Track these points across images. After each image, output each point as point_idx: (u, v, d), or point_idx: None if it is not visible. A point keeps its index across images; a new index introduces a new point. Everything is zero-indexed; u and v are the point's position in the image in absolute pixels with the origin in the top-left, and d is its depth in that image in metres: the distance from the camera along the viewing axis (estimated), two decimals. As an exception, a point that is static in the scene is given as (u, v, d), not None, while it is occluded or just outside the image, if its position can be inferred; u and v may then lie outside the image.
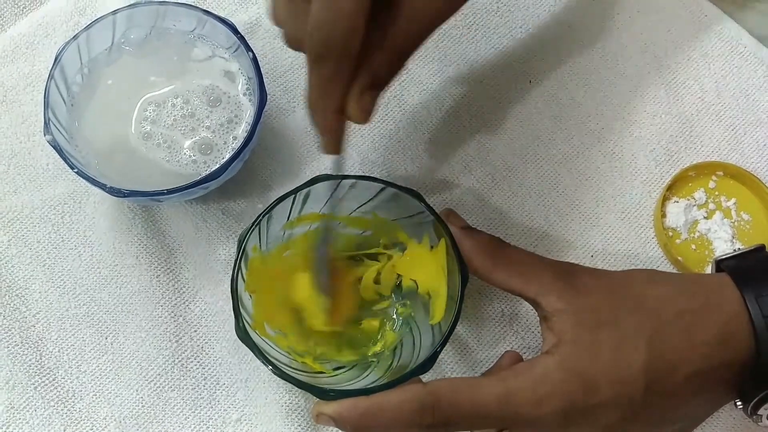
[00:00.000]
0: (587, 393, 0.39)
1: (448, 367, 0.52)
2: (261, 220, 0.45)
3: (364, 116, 0.39)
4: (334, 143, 0.40)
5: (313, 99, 0.39)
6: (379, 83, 0.38)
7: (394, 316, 0.51)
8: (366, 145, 0.57)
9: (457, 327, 0.44)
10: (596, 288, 0.43)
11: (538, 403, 0.39)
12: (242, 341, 0.44)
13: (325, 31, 0.35)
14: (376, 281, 0.50)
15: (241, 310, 0.44)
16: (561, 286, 0.42)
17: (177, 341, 0.52)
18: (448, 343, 0.44)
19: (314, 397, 0.43)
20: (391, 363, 0.49)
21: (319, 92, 0.38)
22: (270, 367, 0.43)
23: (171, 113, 0.53)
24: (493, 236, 0.47)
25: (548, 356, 0.41)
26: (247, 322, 0.45)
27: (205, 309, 0.53)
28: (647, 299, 0.42)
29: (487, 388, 0.40)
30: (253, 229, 0.45)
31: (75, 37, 0.51)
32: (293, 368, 0.46)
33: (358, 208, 0.49)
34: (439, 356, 0.43)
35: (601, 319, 0.41)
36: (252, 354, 0.43)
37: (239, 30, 0.52)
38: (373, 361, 0.50)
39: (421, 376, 0.43)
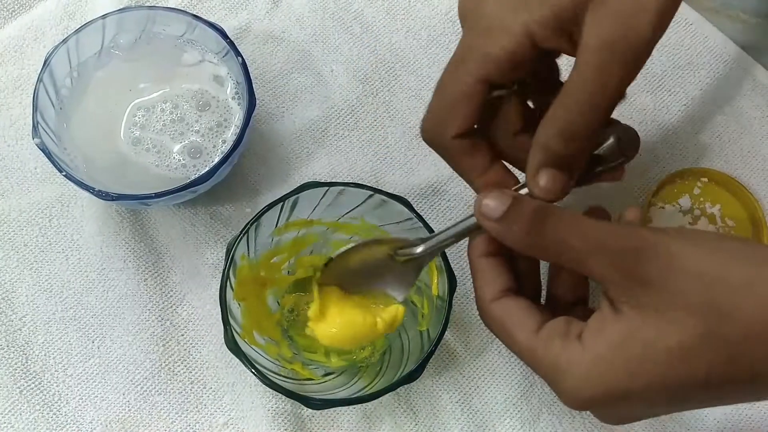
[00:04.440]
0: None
1: (435, 371, 0.52)
2: (249, 228, 0.46)
3: (545, 193, 0.38)
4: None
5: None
6: (551, 163, 0.38)
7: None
8: (354, 151, 0.57)
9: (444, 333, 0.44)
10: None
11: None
12: (231, 351, 0.44)
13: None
14: None
15: (230, 319, 0.44)
16: (624, 284, 0.35)
17: (164, 345, 0.52)
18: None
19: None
20: (380, 369, 0.49)
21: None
22: (258, 376, 0.43)
23: (160, 118, 0.53)
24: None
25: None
26: (236, 331, 0.45)
27: (192, 313, 0.53)
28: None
29: None
30: (242, 237, 0.45)
31: (64, 41, 0.51)
32: (282, 376, 0.46)
33: (346, 213, 0.49)
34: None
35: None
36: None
37: (228, 35, 0.52)
38: (362, 367, 0.50)
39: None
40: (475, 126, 0.40)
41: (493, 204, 0.37)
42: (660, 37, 0.36)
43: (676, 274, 0.34)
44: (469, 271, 0.53)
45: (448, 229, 0.41)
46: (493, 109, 0.41)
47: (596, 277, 0.35)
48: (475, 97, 0.39)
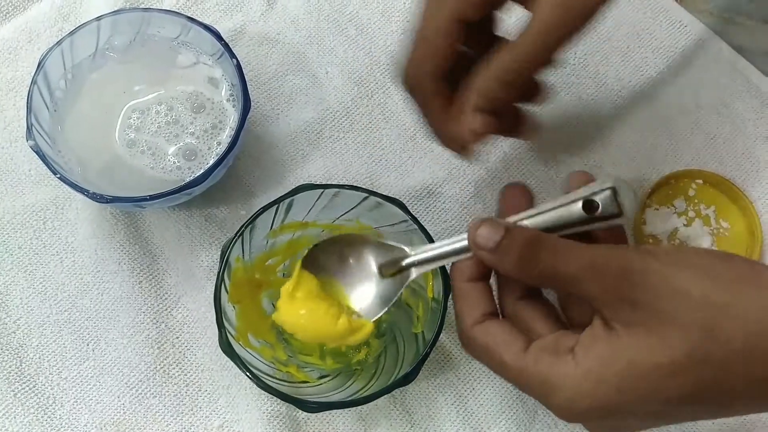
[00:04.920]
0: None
1: (430, 374, 0.52)
2: (244, 230, 0.46)
3: (470, 135, 0.43)
4: (460, 152, 0.46)
5: (426, 124, 0.46)
6: (486, 106, 0.43)
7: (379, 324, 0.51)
8: (349, 153, 0.57)
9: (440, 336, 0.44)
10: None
11: None
12: (226, 354, 0.44)
13: (412, 68, 0.44)
14: None
15: (225, 322, 0.44)
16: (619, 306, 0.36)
17: (159, 348, 0.52)
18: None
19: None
20: (375, 371, 0.49)
21: (423, 118, 0.45)
22: (253, 379, 0.43)
23: (155, 120, 0.53)
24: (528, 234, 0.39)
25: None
26: (230, 334, 0.45)
27: (187, 315, 0.53)
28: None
29: None
30: (236, 240, 0.45)
31: (59, 43, 0.51)
32: (277, 378, 0.46)
33: (341, 215, 0.49)
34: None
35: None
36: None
37: (223, 37, 0.52)
38: (357, 369, 0.50)
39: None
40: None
41: (487, 234, 0.38)
42: None
43: (664, 295, 0.35)
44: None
45: (438, 247, 0.42)
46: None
47: (589, 298, 0.37)
48: (452, 35, 0.42)
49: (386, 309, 0.44)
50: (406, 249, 0.43)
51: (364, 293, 0.45)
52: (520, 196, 0.42)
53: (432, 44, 0.43)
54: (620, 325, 0.36)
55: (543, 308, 0.40)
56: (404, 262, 0.43)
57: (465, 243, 0.40)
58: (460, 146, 0.45)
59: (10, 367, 0.51)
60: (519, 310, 0.40)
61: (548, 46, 0.40)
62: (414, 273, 0.43)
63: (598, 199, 0.38)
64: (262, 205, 0.46)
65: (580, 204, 0.38)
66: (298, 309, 0.44)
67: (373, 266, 0.44)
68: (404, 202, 0.46)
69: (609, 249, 0.37)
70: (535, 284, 0.40)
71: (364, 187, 0.46)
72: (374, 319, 0.44)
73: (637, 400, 0.35)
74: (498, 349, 0.38)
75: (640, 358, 0.35)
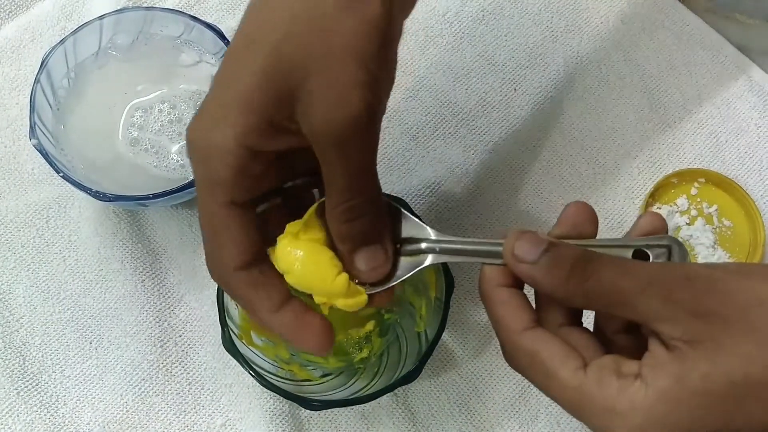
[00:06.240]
0: None
1: (433, 372, 0.52)
2: None
3: (373, 272, 0.38)
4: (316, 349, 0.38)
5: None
6: (364, 241, 0.37)
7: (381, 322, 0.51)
8: (352, 151, 0.57)
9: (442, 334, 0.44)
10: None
11: None
12: (229, 352, 0.44)
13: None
14: None
15: (228, 320, 0.44)
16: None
17: (162, 346, 0.52)
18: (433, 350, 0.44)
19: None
20: (378, 370, 0.49)
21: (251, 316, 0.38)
22: (256, 377, 0.43)
23: (158, 119, 0.53)
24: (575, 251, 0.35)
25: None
26: (233, 332, 0.45)
27: (190, 314, 0.53)
28: None
29: None
30: None
31: (62, 42, 0.51)
32: (280, 377, 0.46)
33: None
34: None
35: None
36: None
37: (226, 36, 0.52)
38: (359, 368, 0.50)
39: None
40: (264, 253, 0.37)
41: (528, 246, 0.34)
42: (379, 109, 0.35)
43: (734, 303, 0.32)
44: (468, 273, 0.54)
45: (463, 242, 0.38)
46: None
47: (646, 316, 0.33)
48: (236, 222, 0.35)
49: (387, 287, 0.39)
50: (431, 231, 0.39)
51: None
52: (585, 219, 0.37)
53: (220, 241, 0.36)
54: (683, 344, 0.32)
55: (588, 335, 0.36)
56: (424, 245, 0.39)
57: (495, 248, 0.36)
58: (315, 342, 0.37)
59: (13, 365, 0.51)
60: (563, 337, 0.35)
61: (345, 179, 0.35)
62: (430, 259, 0.39)
63: (651, 252, 0.36)
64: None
65: (631, 251, 0.36)
66: (299, 247, 0.39)
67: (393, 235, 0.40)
68: (407, 201, 0.46)
69: (666, 264, 0.34)
70: (579, 304, 0.35)
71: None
72: (371, 293, 0.40)
73: (713, 422, 0.31)
74: (552, 362, 0.33)
75: (713, 377, 0.31)
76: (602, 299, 0.33)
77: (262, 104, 0.34)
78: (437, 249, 0.39)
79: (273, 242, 0.38)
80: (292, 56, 0.33)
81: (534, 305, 0.37)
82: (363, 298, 0.39)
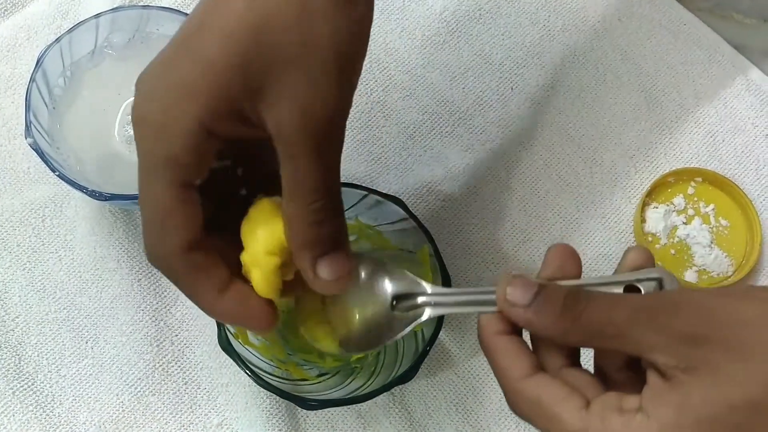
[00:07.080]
0: None
1: (430, 372, 0.52)
2: None
3: (336, 281, 0.36)
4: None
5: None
6: (325, 249, 0.35)
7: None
8: (349, 151, 0.57)
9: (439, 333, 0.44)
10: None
11: None
12: (225, 351, 0.44)
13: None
14: None
15: None
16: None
17: (158, 345, 0.52)
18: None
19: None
20: (374, 369, 0.49)
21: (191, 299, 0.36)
22: (252, 376, 0.43)
23: (153, 117, 0.53)
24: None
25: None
26: (229, 331, 0.45)
27: (186, 313, 0.53)
28: None
29: None
30: None
31: (57, 41, 0.51)
32: (276, 376, 0.46)
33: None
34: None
35: None
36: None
37: (222, 34, 0.52)
38: (356, 367, 0.50)
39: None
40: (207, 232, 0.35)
41: (520, 291, 0.35)
42: (347, 107, 0.35)
43: (718, 324, 0.32)
44: (463, 272, 0.54)
45: (460, 293, 0.38)
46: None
47: (640, 347, 0.33)
48: (185, 203, 0.34)
49: (381, 346, 0.39)
50: (426, 286, 0.39)
51: (369, 319, 0.40)
52: (568, 260, 0.37)
53: (163, 222, 0.34)
54: (680, 372, 0.32)
55: (589, 375, 0.36)
56: (420, 300, 0.38)
57: (488, 297, 0.36)
58: (259, 323, 0.36)
59: (8, 364, 0.51)
60: (564, 378, 0.35)
61: (312, 183, 0.34)
62: (427, 313, 0.38)
63: (642, 286, 0.36)
64: (262, 203, 0.46)
65: (622, 288, 0.36)
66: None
67: (388, 293, 0.39)
68: (404, 200, 0.46)
69: (654, 293, 0.35)
70: (575, 341, 0.35)
71: (363, 185, 0.46)
72: (358, 356, 0.39)
73: None
74: (554, 405, 0.33)
75: (714, 403, 0.31)
76: (596, 333, 0.34)
77: (232, 90, 0.33)
78: (433, 303, 0.38)
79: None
80: (273, 46, 0.32)
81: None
82: (277, 296, 0.37)
